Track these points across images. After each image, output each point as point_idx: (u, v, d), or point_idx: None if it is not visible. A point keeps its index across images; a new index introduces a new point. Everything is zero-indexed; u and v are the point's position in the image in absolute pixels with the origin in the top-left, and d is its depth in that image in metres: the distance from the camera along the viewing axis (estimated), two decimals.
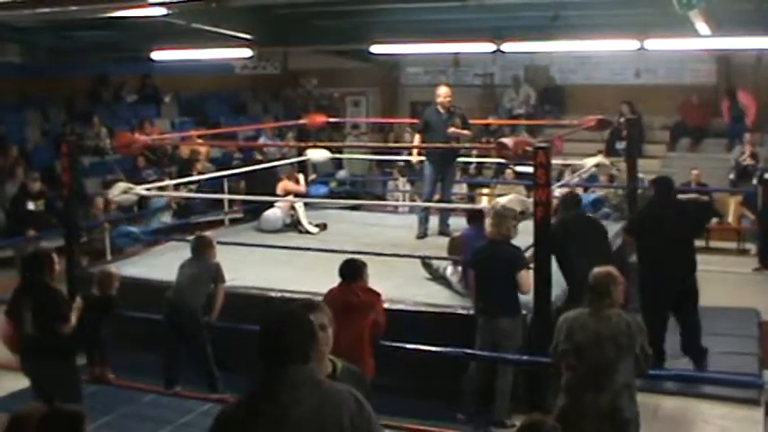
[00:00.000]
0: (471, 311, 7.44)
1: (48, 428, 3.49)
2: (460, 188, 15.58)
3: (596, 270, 5.39)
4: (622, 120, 14.09)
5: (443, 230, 10.53)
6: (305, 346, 3.17)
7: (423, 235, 10.59)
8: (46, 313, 6.39)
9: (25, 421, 3.70)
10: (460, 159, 14.87)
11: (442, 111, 10.43)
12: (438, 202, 10.67)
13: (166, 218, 13.85)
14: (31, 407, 3.88)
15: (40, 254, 7.02)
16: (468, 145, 11.51)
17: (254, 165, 13.72)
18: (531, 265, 7.23)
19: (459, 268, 8.24)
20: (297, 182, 11.86)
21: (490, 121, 16.97)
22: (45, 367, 6.37)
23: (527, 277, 7.12)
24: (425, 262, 8.77)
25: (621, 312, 5.14)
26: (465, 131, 10.46)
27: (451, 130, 10.29)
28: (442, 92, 10.48)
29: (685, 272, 7.78)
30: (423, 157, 10.90)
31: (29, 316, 6.42)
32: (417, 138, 10.87)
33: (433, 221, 10.77)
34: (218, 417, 3.22)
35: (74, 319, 6.53)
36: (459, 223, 9.19)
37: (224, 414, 3.21)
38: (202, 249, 7.77)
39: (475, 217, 8.42)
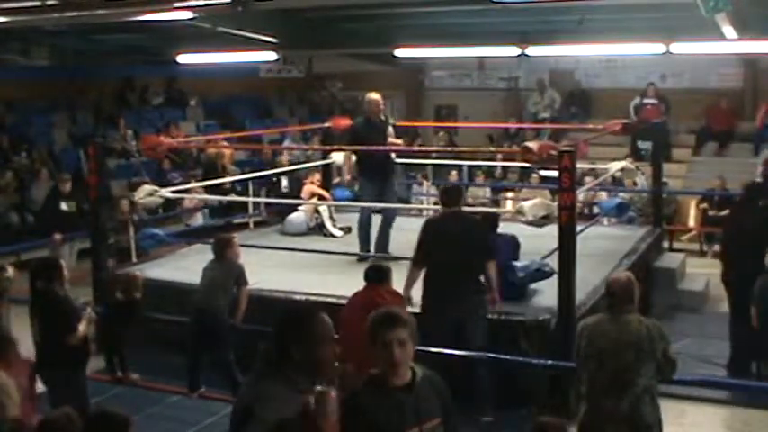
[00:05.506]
0: (495, 316, 7.43)
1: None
2: (484, 192, 15.56)
3: (618, 275, 5.37)
4: (646, 101, 14.01)
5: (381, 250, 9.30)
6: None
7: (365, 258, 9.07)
8: (53, 323, 6.25)
9: (52, 426, 3.74)
10: (484, 164, 14.92)
11: (372, 120, 9.53)
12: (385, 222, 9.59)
13: (195, 220, 13.90)
14: (58, 413, 3.91)
15: (48, 262, 6.91)
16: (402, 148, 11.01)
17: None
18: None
19: None
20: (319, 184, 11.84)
21: (511, 124, 16.98)
22: (52, 378, 6.25)
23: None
24: None
25: (642, 318, 5.12)
26: (396, 140, 9.99)
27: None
28: (372, 98, 9.54)
29: None
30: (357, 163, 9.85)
31: (36, 324, 6.34)
32: (350, 155, 9.95)
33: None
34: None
35: (82, 329, 6.29)
36: None
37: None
38: (223, 250, 7.75)
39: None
